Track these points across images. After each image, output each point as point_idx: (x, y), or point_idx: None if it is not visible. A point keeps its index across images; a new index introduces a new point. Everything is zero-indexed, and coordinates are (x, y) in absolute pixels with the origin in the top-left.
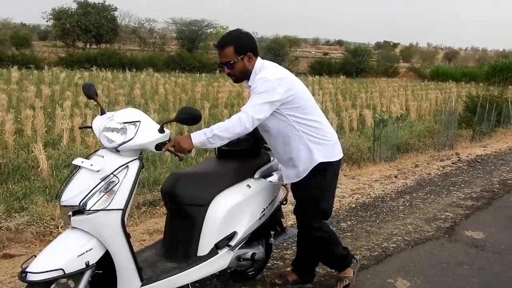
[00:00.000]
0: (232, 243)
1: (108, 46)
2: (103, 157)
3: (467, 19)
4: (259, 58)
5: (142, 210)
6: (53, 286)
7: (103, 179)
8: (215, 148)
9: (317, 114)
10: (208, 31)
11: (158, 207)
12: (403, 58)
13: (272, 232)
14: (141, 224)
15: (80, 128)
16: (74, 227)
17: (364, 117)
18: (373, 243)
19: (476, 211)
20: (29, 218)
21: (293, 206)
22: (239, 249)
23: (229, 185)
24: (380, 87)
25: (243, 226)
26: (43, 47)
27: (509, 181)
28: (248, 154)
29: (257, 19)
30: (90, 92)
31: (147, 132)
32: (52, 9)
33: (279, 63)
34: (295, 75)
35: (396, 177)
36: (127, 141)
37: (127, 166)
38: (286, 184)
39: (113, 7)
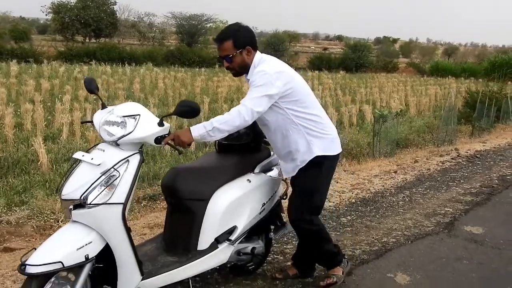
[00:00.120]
0: (232, 237)
1: (108, 40)
2: (103, 151)
3: (466, 15)
4: (258, 52)
5: (142, 205)
6: (52, 279)
7: (103, 173)
8: (215, 142)
9: (316, 108)
10: (208, 25)
11: (158, 202)
12: (402, 53)
13: (272, 227)
14: (141, 218)
15: (82, 122)
16: (74, 221)
17: (364, 113)
18: (373, 238)
19: (475, 206)
20: (29, 212)
21: None
22: (239, 243)
23: (229, 180)
24: (379, 83)
25: (243, 221)
26: (42, 41)
27: (508, 177)
28: (248, 149)
29: (256, 14)
30: (91, 86)
31: (147, 125)
32: (51, 2)
33: (279, 58)
34: (295, 70)
35: (395, 172)
36: (127, 135)
37: (128, 160)
38: (286, 178)
39: (112, 1)
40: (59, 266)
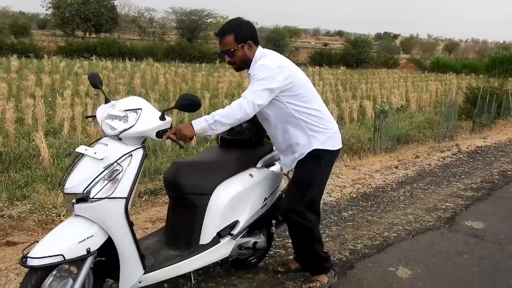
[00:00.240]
0: (234, 232)
1: (108, 35)
2: (106, 145)
3: (467, 11)
4: (259, 46)
5: (143, 199)
6: (54, 271)
7: (106, 168)
8: (218, 137)
9: (317, 103)
10: (208, 21)
11: (159, 196)
12: (403, 49)
13: (273, 221)
14: (143, 213)
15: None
16: (76, 215)
17: (364, 108)
18: (374, 232)
19: (476, 201)
20: (31, 206)
21: None
22: (241, 237)
23: (231, 174)
24: (380, 78)
25: (245, 215)
26: (42, 36)
27: (509, 172)
28: (250, 143)
29: (257, 9)
30: (95, 81)
31: (148, 119)
32: None
33: (279, 53)
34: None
35: (396, 167)
36: (128, 129)
37: (131, 155)
38: (288, 173)
39: None
40: (60, 259)
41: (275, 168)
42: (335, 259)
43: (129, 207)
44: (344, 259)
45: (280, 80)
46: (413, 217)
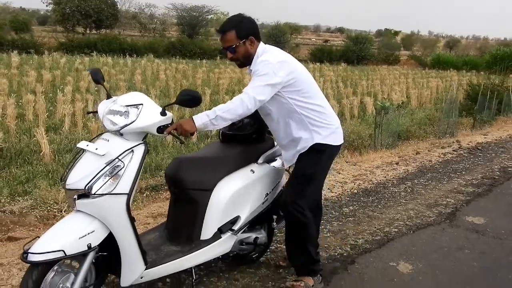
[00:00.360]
0: (235, 227)
1: (108, 31)
2: (108, 141)
3: (468, 8)
4: (261, 42)
5: (145, 195)
6: (55, 267)
7: (108, 163)
8: (219, 132)
9: (319, 99)
10: (209, 17)
11: (160, 192)
12: (404, 46)
13: (274, 217)
14: (144, 208)
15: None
16: (78, 210)
17: (365, 105)
18: (375, 227)
19: (477, 197)
20: (32, 201)
21: None
22: (242, 233)
23: (233, 170)
24: (381, 75)
25: (246, 211)
26: (43, 32)
27: (509, 169)
28: (251, 139)
29: (258, 5)
30: (97, 77)
31: (149, 115)
32: None
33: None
34: None
35: (397, 163)
36: (129, 124)
37: (132, 151)
38: (289, 169)
39: None
40: (61, 254)
41: (277, 163)
42: (336, 254)
43: (130, 203)
44: (345, 254)
45: (281, 76)
46: (414, 212)
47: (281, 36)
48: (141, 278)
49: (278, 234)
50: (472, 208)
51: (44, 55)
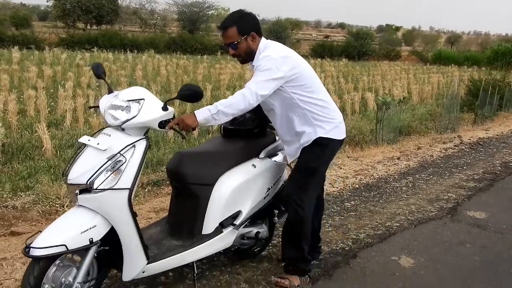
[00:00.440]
0: (237, 222)
1: (109, 27)
2: (109, 136)
3: (469, 3)
4: (263, 38)
5: (146, 190)
6: (57, 261)
7: (110, 158)
8: (221, 127)
9: (322, 93)
10: (210, 12)
11: (162, 187)
12: (405, 41)
13: (276, 211)
14: (146, 203)
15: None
16: (79, 205)
17: (366, 100)
18: (377, 222)
19: (478, 192)
20: (34, 197)
21: None
22: (243, 228)
23: (234, 165)
24: (382, 70)
25: (248, 206)
26: (43, 27)
27: (511, 164)
28: (253, 134)
29: (258, 1)
30: (98, 71)
31: (151, 109)
32: None
33: None
34: None
35: (398, 159)
36: (131, 119)
37: (134, 146)
38: (291, 163)
39: None
40: (63, 249)
41: (278, 158)
42: (338, 248)
43: (132, 198)
44: (347, 248)
45: (284, 71)
46: (415, 207)
47: (282, 32)
48: (143, 272)
49: (279, 229)
50: (474, 203)
51: (44, 51)
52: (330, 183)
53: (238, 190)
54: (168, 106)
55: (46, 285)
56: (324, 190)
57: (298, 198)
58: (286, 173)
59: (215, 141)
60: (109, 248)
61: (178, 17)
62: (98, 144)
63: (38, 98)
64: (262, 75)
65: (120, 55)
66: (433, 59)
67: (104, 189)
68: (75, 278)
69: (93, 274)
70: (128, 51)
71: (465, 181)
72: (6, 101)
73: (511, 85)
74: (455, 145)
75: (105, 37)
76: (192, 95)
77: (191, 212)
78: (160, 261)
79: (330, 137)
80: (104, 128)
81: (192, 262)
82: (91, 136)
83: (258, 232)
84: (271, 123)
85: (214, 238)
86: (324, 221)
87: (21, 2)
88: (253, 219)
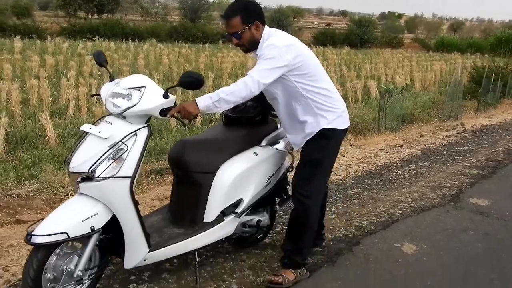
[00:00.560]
0: (238, 210)
1: (110, 16)
2: (111, 124)
3: None
4: (266, 26)
5: (150, 178)
6: (57, 250)
7: (111, 147)
8: (222, 115)
9: (326, 82)
10: (211, 1)
11: (166, 176)
12: (407, 29)
13: (277, 199)
14: (150, 192)
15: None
16: (81, 193)
17: (369, 88)
18: (380, 209)
19: (481, 179)
20: (39, 185)
21: None
22: (244, 216)
23: (236, 153)
24: (384, 58)
25: (249, 194)
26: (44, 17)
27: None
28: (255, 122)
29: None
30: (100, 59)
31: (152, 97)
32: None
33: None
34: None
35: (401, 146)
36: (132, 107)
37: (136, 134)
38: (292, 151)
39: None
40: (64, 237)
41: (280, 146)
42: (341, 235)
43: (134, 186)
44: (350, 235)
45: (288, 59)
46: (418, 194)
47: (283, 20)
48: (145, 260)
49: (283, 216)
50: (476, 190)
51: (46, 40)
52: (333, 171)
53: (239, 178)
54: (169, 94)
55: (48, 274)
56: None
57: (303, 190)
58: (288, 161)
59: (216, 129)
60: (111, 236)
61: (179, 6)
62: (99, 132)
63: (40, 87)
64: (265, 63)
65: (121, 44)
66: (435, 46)
67: (106, 178)
68: (76, 265)
69: (95, 262)
70: (130, 40)
71: (468, 168)
72: (9, 90)
73: None
74: (458, 133)
75: (107, 26)
76: (193, 82)
77: (192, 200)
78: (162, 249)
79: (334, 127)
80: (105, 116)
81: (194, 250)
82: (93, 124)
83: (259, 220)
84: (273, 111)
85: (215, 226)
86: (328, 209)
87: None
88: (255, 207)
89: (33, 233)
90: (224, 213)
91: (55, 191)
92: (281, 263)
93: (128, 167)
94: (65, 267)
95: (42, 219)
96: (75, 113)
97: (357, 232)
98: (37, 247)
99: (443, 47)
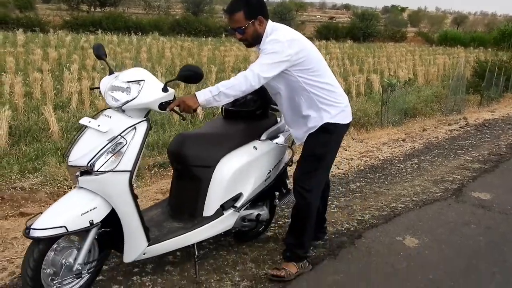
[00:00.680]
0: (238, 204)
1: (112, 9)
2: (110, 117)
3: None
4: (269, 20)
5: (153, 172)
6: (54, 246)
7: (110, 140)
8: (222, 108)
9: (328, 77)
10: None
11: (168, 169)
12: (411, 22)
13: (277, 193)
14: (153, 185)
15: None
16: (80, 187)
17: (371, 82)
18: (382, 203)
19: (483, 173)
20: (42, 178)
21: None
22: (244, 210)
23: (235, 147)
24: (387, 52)
25: (249, 188)
26: (47, 10)
27: None
28: (255, 115)
29: None
30: (99, 52)
31: (151, 91)
32: None
33: None
34: None
35: (404, 140)
36: (131, 100)
37: (135, 128)
38: (292, 145)
39: None
40: (63, 230)
41: (279, 140)
42: (343, 229)
43: (133, 180)
44: (352, 229)
45: (290, 54)
46: (420, 188)
47: (286, 13)
48: (144, 254)
49: (285, 210)
50: (479, 184)
51: (49, 33)
52: (335, 165)
53: (239, 172)
54: (168, 88)
55: (48, 270)
56: (330, 172)
57: (304, 184)
58: (287, 155)
59: (216, 122)
60: (110, 230)
61: None
62: (98, 126)
63: (43, 80)
64: (267, 57)
65: (124, 38)
66: (439, 40)
67: (105, 171)
68: (75, 259)
69: (94, 256)
70: (132, 34)
71: (470, 162)
72: (12, 83)
73: None
74: (460, 127)
75: (109, 19)
76: (192, 76)
77: (192, 194)
78: (161, 243)
79: (336, 122)
80: (104, 110)
81: (193, 244)
82: (92, 118)
83: (259, 215)
84: (273, 104)
85: (215, 220)
86: (330, 202)
87: None
88: (254, 201)
89: (32, 226)
90: (223, 207)
91: (58, 184)
92: (283, 256)
93: (127, 160)
94: (64, 261)
95: (41, 213)
96: (78, 107)
97: (359, 225)
98: (36, 240)
99: (446, 41)
